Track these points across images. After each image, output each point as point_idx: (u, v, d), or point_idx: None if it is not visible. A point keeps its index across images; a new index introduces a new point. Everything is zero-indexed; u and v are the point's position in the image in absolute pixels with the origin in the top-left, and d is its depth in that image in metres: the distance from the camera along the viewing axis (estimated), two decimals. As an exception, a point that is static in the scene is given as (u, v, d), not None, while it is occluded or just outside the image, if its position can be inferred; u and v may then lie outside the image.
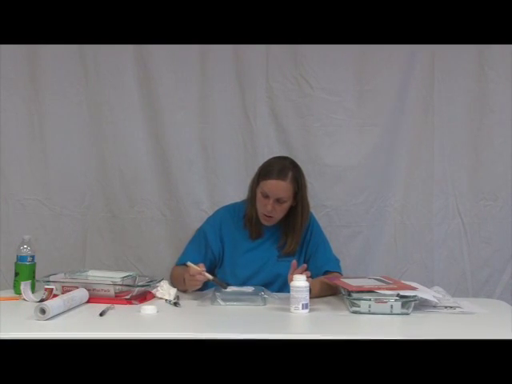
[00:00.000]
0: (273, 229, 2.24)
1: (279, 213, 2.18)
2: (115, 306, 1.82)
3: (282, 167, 2.16)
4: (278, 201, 2.14)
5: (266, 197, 2.14)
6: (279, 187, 2.13)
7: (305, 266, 1.95)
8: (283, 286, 2.09)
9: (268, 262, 2.21)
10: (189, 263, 1.97)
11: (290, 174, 2.15)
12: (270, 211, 2.15)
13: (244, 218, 2.25)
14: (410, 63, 2.59)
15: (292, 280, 1.85)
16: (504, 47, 2.52)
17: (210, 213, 2.51)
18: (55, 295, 1.82)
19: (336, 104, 2.60)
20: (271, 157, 2.31)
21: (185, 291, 2.05)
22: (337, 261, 2.27)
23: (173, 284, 2.11)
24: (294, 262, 2.00)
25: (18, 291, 1.96)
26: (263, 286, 2.10)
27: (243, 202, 2.30)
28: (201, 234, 2.25)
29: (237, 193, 2.57)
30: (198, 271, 1.95)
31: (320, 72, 2.59)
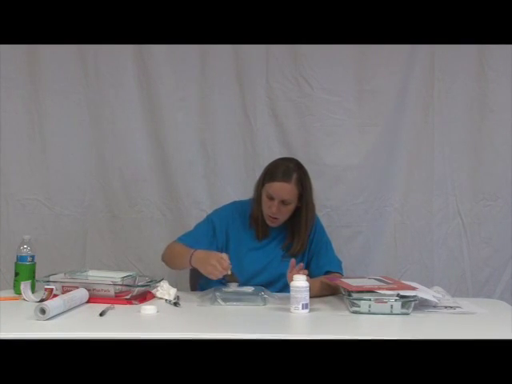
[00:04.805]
0: (279, 229, 2.24)
1: (284, 214, 2.18)
2: (115, 305, 1.82)
3: (286, 169, 2.16)
4: (283, 203, 2.14)
5: (271, 199, 2.15)
6: (284, 189, 2.13)
7: (301, 265, 1.96)
8: (286, 286, 2.09)
9: (272, 261, 2.21)
10: (225, 254, 1.96)
11: (294, 176, 2.15)
12: (275, 213, 2.16)
13: (250, 217, 2.26)
14: (409, 63, 2.59)
15: (291, 278, 1.85)
16: (504, 47, 2.51)
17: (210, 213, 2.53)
18: (55, 295, 1.81)
19: (336, 104, 2.60)
20: (276, 158, 2.30)
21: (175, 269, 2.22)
22: (338, 262, 2.27)
23: (166, 258, 2.15)
24: (293, 260, 2.02)
25: (18, 291, 1.96)
26: (266, 284, 2.10)
27: (250, 200, 2.30)
28: (210, 223, 2.25)
29: (237, 193, 2.58)
30: (228, 265, 1.93)
31: (320, 72, 2.59)
